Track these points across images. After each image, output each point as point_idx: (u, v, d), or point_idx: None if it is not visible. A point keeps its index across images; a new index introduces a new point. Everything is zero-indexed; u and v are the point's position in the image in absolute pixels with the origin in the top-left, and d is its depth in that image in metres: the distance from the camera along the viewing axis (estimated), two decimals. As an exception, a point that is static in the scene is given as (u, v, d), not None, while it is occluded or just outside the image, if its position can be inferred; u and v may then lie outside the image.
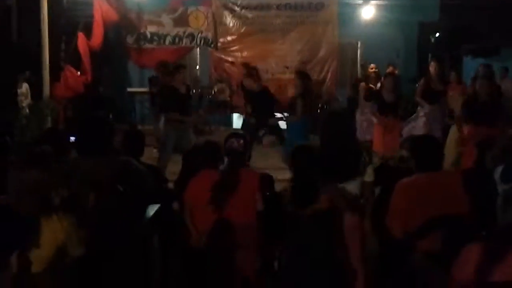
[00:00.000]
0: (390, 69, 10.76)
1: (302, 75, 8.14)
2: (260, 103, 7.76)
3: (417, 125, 8.60)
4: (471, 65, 12.83)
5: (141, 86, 12.52)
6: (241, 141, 3.50)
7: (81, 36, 9.77)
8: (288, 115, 7.91)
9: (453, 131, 7.70)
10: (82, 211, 2.80)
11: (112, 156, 3.07)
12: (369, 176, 3.75)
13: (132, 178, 2.97)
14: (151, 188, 3.24)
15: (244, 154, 3.56)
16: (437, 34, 12.93)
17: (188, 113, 7.72)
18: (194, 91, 11.34)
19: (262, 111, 7.68)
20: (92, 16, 10.21)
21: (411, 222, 3.21)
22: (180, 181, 4.00)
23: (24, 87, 9.53)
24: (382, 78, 9.43)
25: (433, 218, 3.14)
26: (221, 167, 3.56)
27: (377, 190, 3.91)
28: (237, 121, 12.19)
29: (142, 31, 11.89)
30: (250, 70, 8.79)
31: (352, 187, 3.62)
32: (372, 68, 10.40)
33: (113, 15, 10.47)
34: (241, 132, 3.95)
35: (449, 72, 9.42)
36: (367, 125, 9.06)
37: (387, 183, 3.64)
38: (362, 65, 11.58)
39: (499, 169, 3.57)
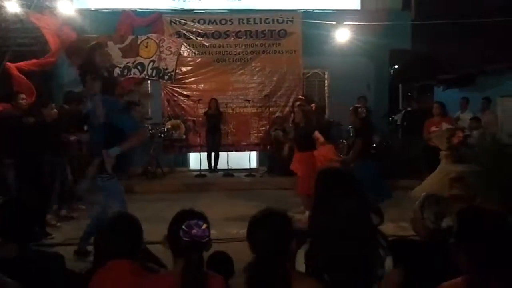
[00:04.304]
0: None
1: None
2: None
3: None
4: (442, 97, 11.96)
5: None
6: (204, 225, 2.11)
7: (8, 66, 8.39)
8: None
9: (441, 170, 7.11)
10: None
11: None
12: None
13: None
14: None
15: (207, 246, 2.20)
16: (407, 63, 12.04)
17: None
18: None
19: None
20: (22, 45, 8.92)
21: None
22: (91, 273, 2.61)
23: None
24: None
25: None
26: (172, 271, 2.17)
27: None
28: (194, 161, 10.90)
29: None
30: None
31: None
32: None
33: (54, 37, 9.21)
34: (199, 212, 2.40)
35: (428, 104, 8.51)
36: None
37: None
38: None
39: None
